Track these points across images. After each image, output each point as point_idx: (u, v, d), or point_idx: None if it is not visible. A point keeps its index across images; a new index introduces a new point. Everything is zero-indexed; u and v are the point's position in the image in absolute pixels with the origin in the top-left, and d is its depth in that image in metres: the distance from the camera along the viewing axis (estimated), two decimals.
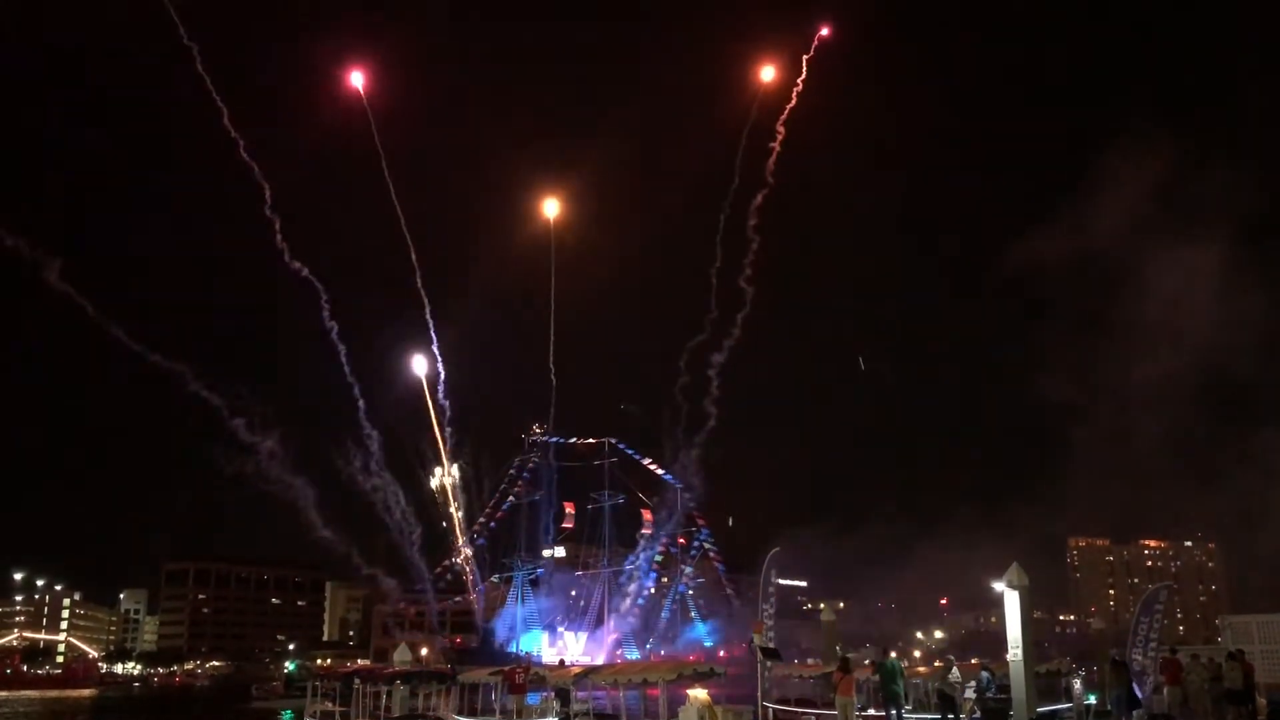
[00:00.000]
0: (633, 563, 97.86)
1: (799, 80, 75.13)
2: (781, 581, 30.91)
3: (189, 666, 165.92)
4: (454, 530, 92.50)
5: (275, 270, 75.29)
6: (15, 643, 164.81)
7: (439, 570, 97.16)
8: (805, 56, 75.50)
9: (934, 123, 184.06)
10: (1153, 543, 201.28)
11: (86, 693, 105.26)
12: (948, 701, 23.64)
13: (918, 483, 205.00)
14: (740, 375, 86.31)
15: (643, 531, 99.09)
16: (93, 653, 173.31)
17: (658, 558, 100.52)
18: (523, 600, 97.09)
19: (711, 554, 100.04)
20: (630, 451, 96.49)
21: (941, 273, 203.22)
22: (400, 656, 35.76)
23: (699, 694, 23.25)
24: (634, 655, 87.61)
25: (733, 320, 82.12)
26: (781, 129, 76.62)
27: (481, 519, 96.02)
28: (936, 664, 28.28)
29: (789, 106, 75.78)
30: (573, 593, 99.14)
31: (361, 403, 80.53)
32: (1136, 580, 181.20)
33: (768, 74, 75.33)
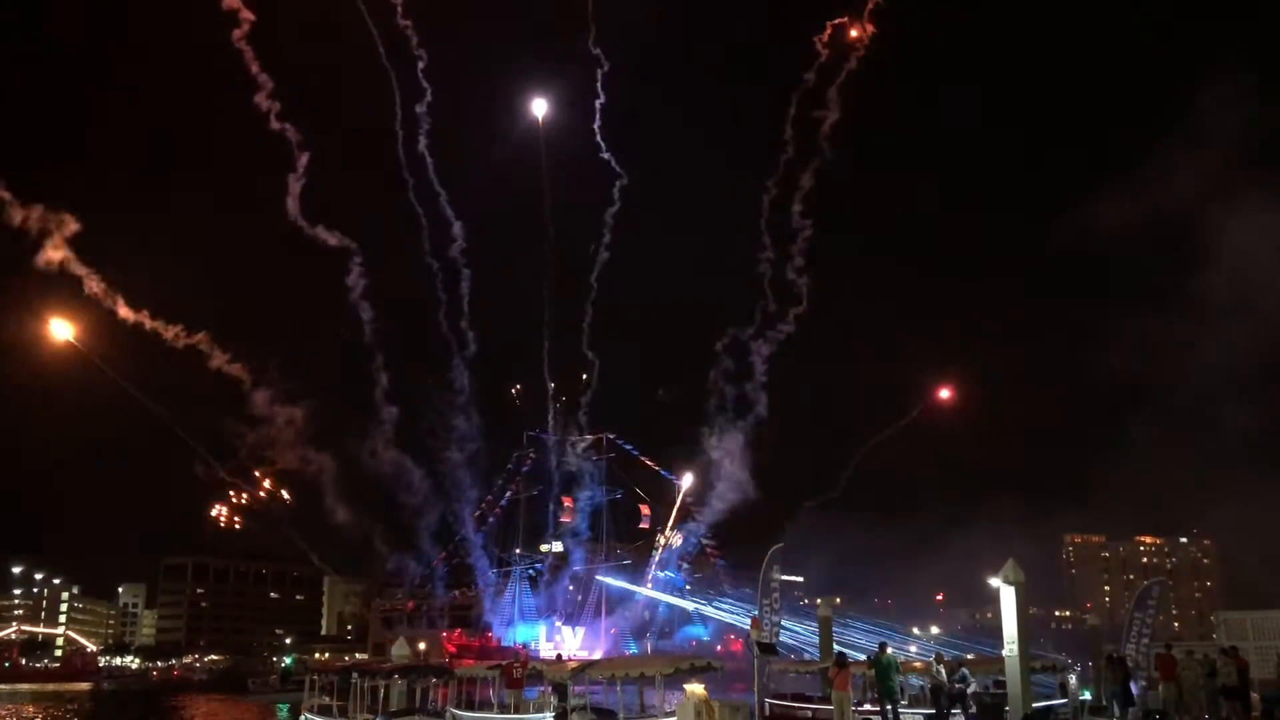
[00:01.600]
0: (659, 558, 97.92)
1: (858, 46, 70.47)
2: (779, 577, 30.95)
3: (187, 660, 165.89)
4: None
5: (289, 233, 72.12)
6: (14, 636, 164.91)
7: (440, 559, 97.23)
8: (855, 33, 70.81)
9: (988, 91, 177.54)
10: (1148, 539, 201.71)
11: (84, 686, 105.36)
12: (938, 694, 23.76)
13: (941, 478, 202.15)
14: (782, 364, 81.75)
15: (641, 526, 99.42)
16: (91, 646, 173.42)
17: (655, 552, 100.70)
18: (520, 595, 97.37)
19: (709, 549, 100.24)
20: (629, 447, 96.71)
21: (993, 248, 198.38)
22: (398, 651, 35.79)
23: (696, 689, 23.33)
24: (632, 650, 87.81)
25: (769, 300, 78.75)
26: (836, 94, 71.20)
27: (479, 513, 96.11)
28: (931, 660, 28.41)
29: (848, 69, 70.50)
30: (570, 588, 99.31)
31: (384, 376, 77.92)
32: (1132, 576, 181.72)
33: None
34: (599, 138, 76.16)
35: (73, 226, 61.40)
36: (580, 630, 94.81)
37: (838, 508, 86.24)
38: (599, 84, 73.68)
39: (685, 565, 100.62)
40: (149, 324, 67.42)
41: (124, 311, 66.24)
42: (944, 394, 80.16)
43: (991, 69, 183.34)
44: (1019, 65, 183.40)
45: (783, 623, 31.21)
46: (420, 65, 71.39)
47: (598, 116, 75.13)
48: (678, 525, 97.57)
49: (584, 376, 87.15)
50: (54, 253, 60.82)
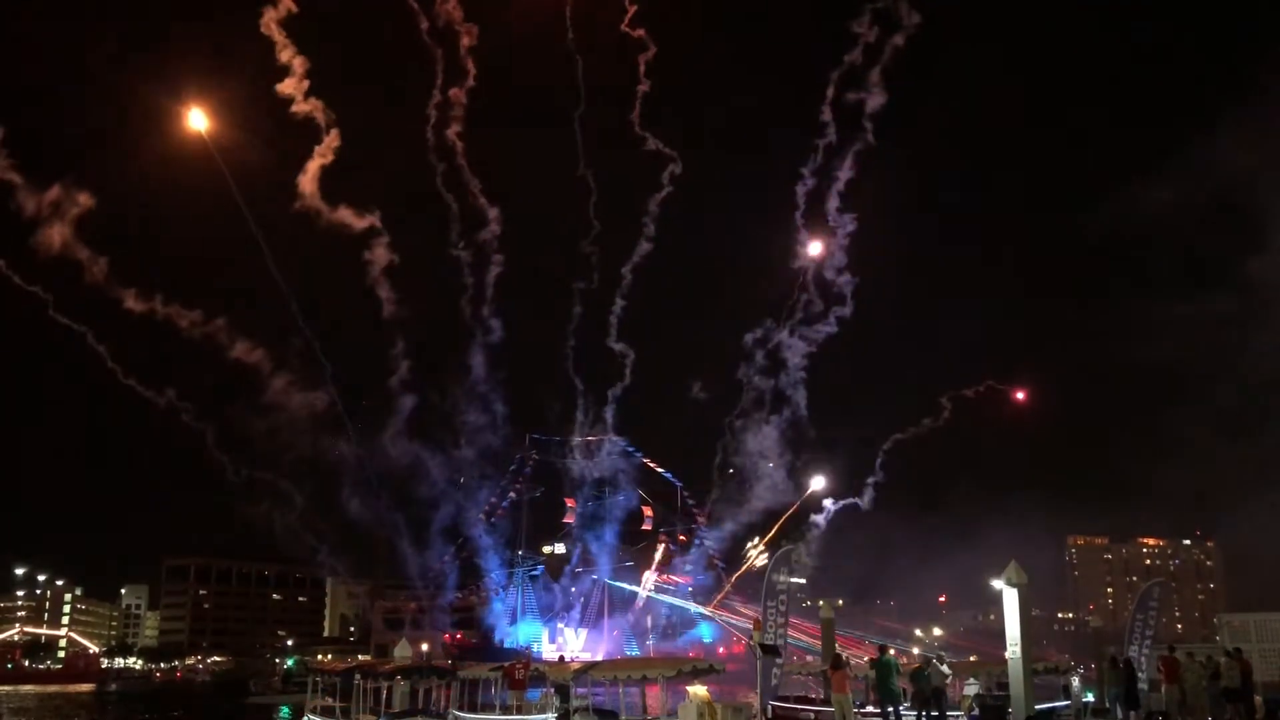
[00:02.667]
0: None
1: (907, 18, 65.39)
2: (774, 577, 30.88)
3: (190, 661, 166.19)
4: None
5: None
6: (16, 637, 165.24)
7: (437, 566, 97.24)
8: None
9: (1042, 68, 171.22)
10: (1151, 541, 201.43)
11: (86, 687, 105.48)
12: (939, 696, 23.71)
13: (954, 479, 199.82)
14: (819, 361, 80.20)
15: (643, 528, 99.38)
16: (93, 647, 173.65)
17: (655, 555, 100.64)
18: (523, 596, 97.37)
19: (712, 551, 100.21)
20: (632, 449, 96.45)
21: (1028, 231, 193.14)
22: (401, 652, 35.79)
23: (699, 691, 23.35)
24: (634, 652, 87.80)
25: (810, 295, 75.75)
26: (879, 77, 66.08)
27: (487, 510, 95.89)
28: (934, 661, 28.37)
29: (893, 46, 65.06)
30: (573, 589, 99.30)
31: (404, 364, 75.93)
32: (1135, 578, 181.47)
33: None
34: (637, 129, 71.76)
35: (87, 203, 60.36)
36: (583, 631, 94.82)
37: (856, 509, 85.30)
38: (641, 70, 69.56)
39: (687, 568, 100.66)
40: (160, 310, 66.60)
41: (132, 302, 65.67)
42: (1019, 396, 79.07)
43: (1039, 51, 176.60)
44: (1066, 46, 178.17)
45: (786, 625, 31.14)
46: (464, 43, 67.22)
47: (638, 104, 70.99)
48: (686, 527, 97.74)
49: (624, 358, 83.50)
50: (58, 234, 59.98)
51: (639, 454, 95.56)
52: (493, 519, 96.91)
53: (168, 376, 74.00)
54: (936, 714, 23.20)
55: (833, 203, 71.85)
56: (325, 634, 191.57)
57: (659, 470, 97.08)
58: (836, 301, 75.12)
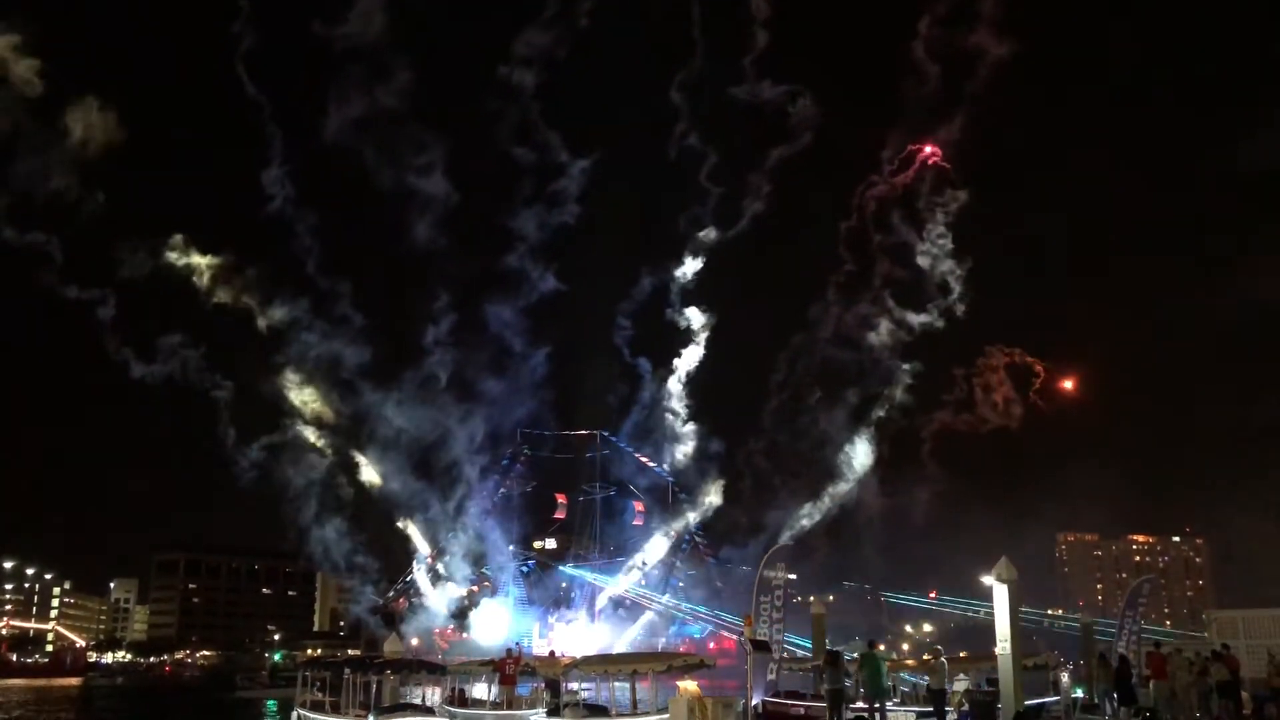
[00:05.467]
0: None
1: None
2: (767, 573, 30.79)
3: (179, 656, 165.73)
4: None
5: None
6: (4, 631, 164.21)
7: (430, 562, 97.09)
8: None
9: None
10: (1141, 538, 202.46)
11: (73, 681, 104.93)
12: (937, 696, 23.69)
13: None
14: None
15: (634, 523, 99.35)
16: (80, 642, 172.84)
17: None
18: (513, 592, 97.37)
19: (702, 547, 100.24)
20: (622, 445, 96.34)
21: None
22: (391, 647, 35.69)
23: (689, 686, 23.35)
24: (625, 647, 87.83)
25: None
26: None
27: (485, 508, 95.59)
28: (925, 658, 28.38)
29: None
30: (564, 584, 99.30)
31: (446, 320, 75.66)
32: (1124, 575, 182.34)
33: None
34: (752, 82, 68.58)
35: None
36: (575, 626, 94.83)
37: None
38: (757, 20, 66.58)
39: (677, 564, 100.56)
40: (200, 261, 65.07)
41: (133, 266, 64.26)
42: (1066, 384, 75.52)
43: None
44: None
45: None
46: None
47: (756, 53, 67.98)
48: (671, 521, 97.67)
49: (691, 329, 78.73)
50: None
51: (630, 449, 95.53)
52: (488, 513, 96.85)
53: (174, 338, 72.35)
54: (933, 713, 23.20)
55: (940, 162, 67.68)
56: (315, 629, 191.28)
57: (651, 465, 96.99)
58: (941, 291, 69.95)
